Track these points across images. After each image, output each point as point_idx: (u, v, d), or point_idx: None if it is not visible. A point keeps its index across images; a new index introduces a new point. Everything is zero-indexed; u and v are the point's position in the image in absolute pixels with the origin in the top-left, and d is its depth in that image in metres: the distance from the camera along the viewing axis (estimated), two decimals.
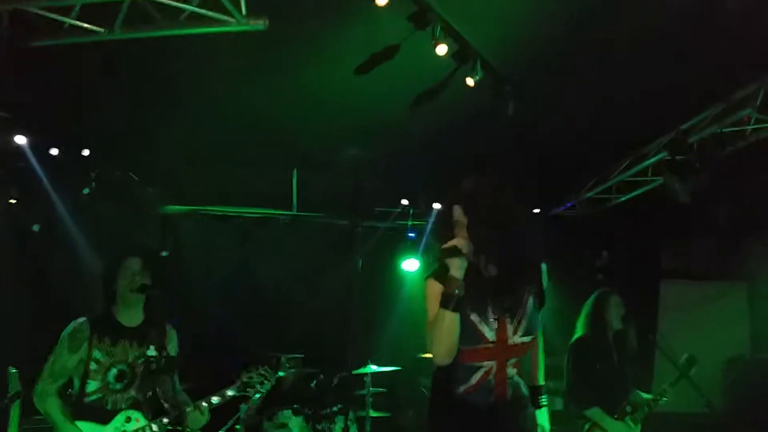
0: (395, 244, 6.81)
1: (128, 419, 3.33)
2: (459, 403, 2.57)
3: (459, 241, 2.46)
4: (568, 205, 6.54)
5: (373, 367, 5.17)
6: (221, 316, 6.04)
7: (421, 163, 5.69)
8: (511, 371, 2.63)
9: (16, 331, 5.11)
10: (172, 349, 3.55)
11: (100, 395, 3.31)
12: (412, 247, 6.68)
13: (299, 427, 4.87)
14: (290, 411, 4.93)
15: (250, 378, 3.48)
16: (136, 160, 5.76)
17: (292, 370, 5.35)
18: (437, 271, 2.58)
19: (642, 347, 5.32)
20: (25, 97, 4.63)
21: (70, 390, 3.38)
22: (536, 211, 6.79)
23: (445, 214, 2.64)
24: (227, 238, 6.44)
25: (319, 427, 5.04)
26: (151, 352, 3.40)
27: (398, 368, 5.38)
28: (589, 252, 6.78)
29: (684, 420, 6.19)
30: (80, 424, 3.28)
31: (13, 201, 5.25)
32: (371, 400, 5.18)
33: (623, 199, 6.05)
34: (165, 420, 3.36)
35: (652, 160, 5.30)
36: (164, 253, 6.19)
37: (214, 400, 3.45)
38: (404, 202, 6.53)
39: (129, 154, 5.61)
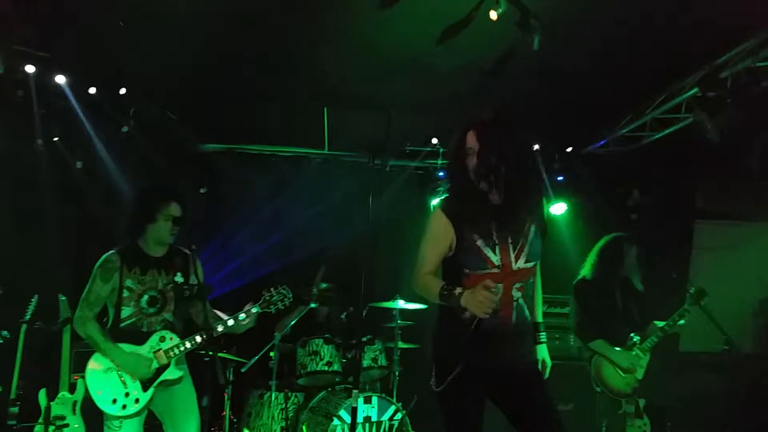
0: (425, 183, 6.85)
1: (162, 339, 3.62)
2: (464, 325, 2.66)
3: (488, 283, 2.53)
4: (601, 143, 6.45)
5: (401, 303, 5.31)
6: (256, 253, 6.25)
7: (451, 100, 5.68)
8: (516, 294, 2.74)
9: (63, 263, 5.42)
10: (199, 275, 3.79)
11: (134, 319, 3.58)
12: (441, 186, 6.69)
13: (330, 355, 5.09)
14: (322, 340, 5.14)
15: (271, 296, 3.75)
16: (172, 99, 5.88)
17: (324, 301, 5.55)
18: (448, 205, 2.71)
19: (670, 284, 5.37)
20: (63, 37, 4.78)
21: (105, 318, 3.66)
22: (569, 149, 6.74)
23: (458, 140, 2.72)
24: (262, 176, 6.59)
25: (349, 356, 5.25)
26: (179, 278, 3.70)
27: (425, 306, 5.50)
28: (622, 191, 6.73)
29: (712, 359, 6.24)
30: (119, 345, 3.55)
31: (56, 139, 5.47)
32: (400, 332, 5.34)
33: (657, 136, 5.93)
34: (198, 338, 3.63)
35: (686, 95, 5.17)
36: (202, 190, 6.40)
37: (241, 317, 3.72)
38: (434, 140, 6.54)
39: (166, 92, 5.73)
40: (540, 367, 2.99)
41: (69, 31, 4.70)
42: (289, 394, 5.07)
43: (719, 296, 5.75)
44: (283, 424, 4.94)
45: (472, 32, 4.39)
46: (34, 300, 4.71)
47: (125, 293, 3.56)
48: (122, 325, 3.57)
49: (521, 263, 2.72)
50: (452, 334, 2.73)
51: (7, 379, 4.58)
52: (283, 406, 4.99)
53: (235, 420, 5.14)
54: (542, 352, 3.02)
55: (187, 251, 3.79)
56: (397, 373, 5.23)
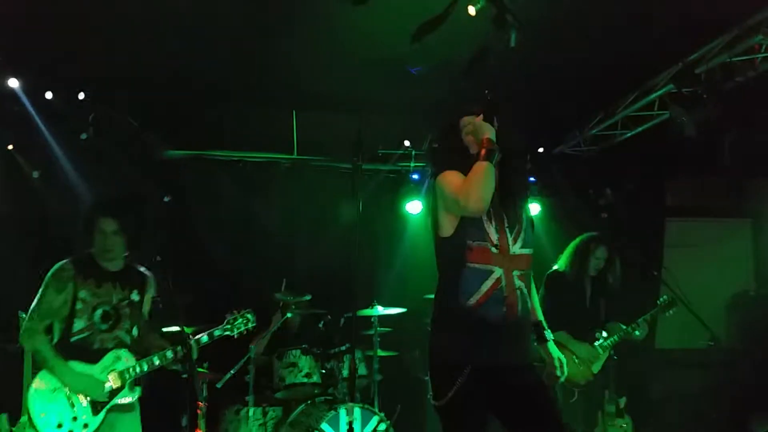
0: (398, 187, 6.75)
1: (117, 358, 3.41)
2: (469, 315, 2.59)
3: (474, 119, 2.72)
4: (573, 142, 6.46)
5: (380, 309, 5.19)
6: (226, 261, 6.04)
7: (423, 101, 5.60)
8: (518, 282, 2.69)
9: (19, 277, 5.12)
10: (151, 293, 3.65)
11: (86, 334, 3.36)
12: (415, 189, 6.63)
13: (309, 366, 4.92)
14: (299, 351, 4.97)
15: (235, 319, 3.72)
16: (134, 104, 5.66)
17: (299, 311, 5.39)
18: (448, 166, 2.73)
19: (646, 282, 5.43)
20: (16, 38, 4.54)
21: (50, 335, 3.42)
22: (540, 150, 6.73)
23: (455, 124, 2.81)
24: (229, 182, 6.38)
25: (328, 366, 5.09)
26: (135, 296, 3.52)
27: (404, 309, 5.40)
28: (594, 190, 6.74)
29: (689, 356, 6.29)
30: (69, 363, 3.33)
31: (10, 147, 5.20)
32: (378, 339, 5.22)
33: (629, 135, 5.96)
34: (156, 360, 3.44)
35: (659, 93, 5.19)
36: (166, 199, 6.15)
37: (203, 338, 3.61)
38: (406, 143, 6.44)
39: (127, 97, 5.51)
40: (557, 363, 2.90)
41: (23, 31, 4.46)
42: (267, 408, 4.89)
43: (692, 293, 5.82)
44: None
45: (446, 30, 4.31)
46: None
47: (78, 305, 3.36)
48: (73, 339, 3.35)
49: (518, 248, 2.72)
50: (456, 333, 2.65)
51: None
52: (262, 421, 4.81)
53: None
54: (554, 350, 2.94)
55: (146, 272, 3.64)
56: (378, 382, 5.09)
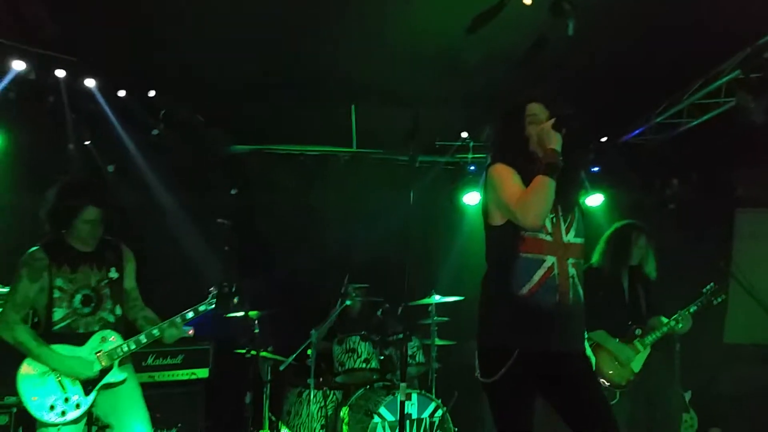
0: (456, 178, 6.77)
1: (103, 339, 3.39)
2: (521, 304, 2.59)
3: (548, 123, 2.63)
4: (637, 131, 6.30)
5: (437, 297, 5.23)
6: (287, 251, 6.22)
7: (480, 93, 5.59)
8: (572, 270, 2.67)
9: None
10: (131, 269, 3.59)
11: (69, 321, 3.32)
12: (472, 181, 6.63)
13: (367, 352, 5.03)
14: (358, 337, 5.09)
15: (216, 294, 3.63)
16: (200, 101, 5.88)
17: (359, 299, 5.50)
18: (505, 157, 2.72)
19: (714, 275, 5.21)
20: (92, 41, 4.79)
21: (35, 319, 3.44)
22: (604, 139, 6.59)
23: (519, 109, 2.77)
24: (290, 175, 6.56)
25: (386, 352, 5.19)
26: (113, 273, 3.45)
27: (461, 297, 5.42)
28: (660, 180, 6.56)
29: (758, 352, 6.07)
30: (54, 347, 3.28)
31: (87, 143, 5.49)
32: (436, 328, 5.26)
33: (695, 123, 5.77)
34: (143, 338, 3.44)
35: (725, 79, 5.01)
36: (232, 192, 6.39)
37: (189, 314, 3.56)
38: (464, 134, 6.45)
39: (194, 94, 5.72)
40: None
41: (97, 33, 4.70)
42: (328, 391, 5.03)
43: (763, 285, 5.60)
44: (323, 422, 4.89)
45: (502, 20, 4.29)
46: None
47: (56, 293, 3.28)
48: (55, 328, 3.28)
49: (571, 237, 2.71)
50: (507, 319, 2.65)
51: None
52: (322, 404, 4.95)
53: (274, 418, 5.10)
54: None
55: (120, 245, 3.56)
56: (435, 370, 5.14)
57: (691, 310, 4.44)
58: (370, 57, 5.11)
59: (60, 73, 4.95)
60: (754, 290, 4.89)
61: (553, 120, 2.63)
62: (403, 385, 3.48)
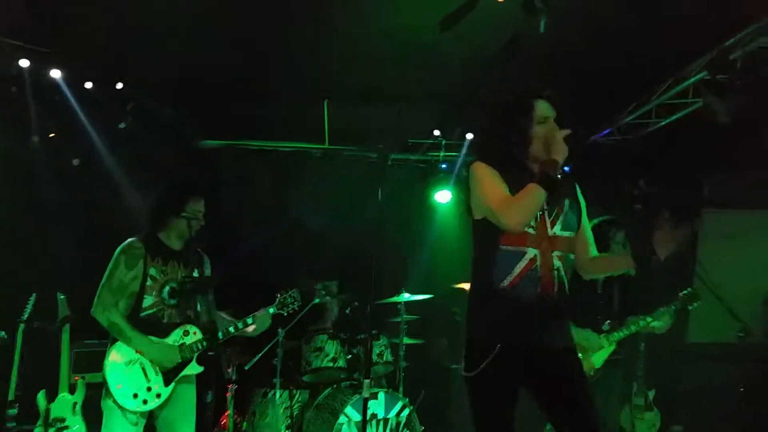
0: (427, 176, 6.77)
1: (186, 332, 3.53)
2: (502, 297, 2.58)
3: (561, 133, 2.59)
4: (606, 131, 6.36)
5: (407, 295, 5.22)
6: (258, 247, 6.16)
7: (453, 91, 5.59)
8: (557, 262, 2.63)
9: (62, 261, 5.33)
10: (207, 272, 3.78)
11: (155, 309, 3.47)
12: (444, 179, 6.64)
13: (335, 351, 4.99)
14: (326, 336, 5.05)
15: (284, 299, 3.81)
16: (171, 94, 5.79)
17: (327, 298, 5.46)
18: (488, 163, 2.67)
19: (681, 275, 5.26)
20: (58, 31, 4.69)
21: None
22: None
23: (525, 107, 2.69)
24: (262, 171, 6.51)
25: (354, 351, 5.16)
26: (195, 273, 3.64)
27: (431, 296, 5.41)
28: (628, 181, 6.61)
29: (721, 350, 6.16)
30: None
31: (52, 135, 5.38)
32: (405, 327, 5.25)
33: (663, 123, 5.84)
34: (219, 335, 3.60)
35: (693, 80, 5.07)
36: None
37: (259, 314, 3.76)
38: (436, 133, 6.45)
39: (164, 87, 5.64)
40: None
41: (66, 24, 4.61)
42: (294, 391, 4.98)
43: (728, 285, 5.68)
44: (289, 422, 4.84)
45: (476, 18, 4.30)
46: (32, 299, 4.61)
47: (149, 282, 3.46)
48: (142, 314, 3.45)
49: (557, 229, 2.66)
50: (489, 313, 2.64)
51: (5, 381, 4.48)
52: (288, 404, 4.90)
53: (238, 419, 5.04)
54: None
55: (201, 252, 3.77)
56: (403, 369, 5.13)
57: (669, 310, 4.43)
58: (344, 53, 5.08)
59: (24, 63, 4.84)
60: (718, 290, 4.96)
61: (568, 131, 2.59)
62: (366, 382, 3.46)
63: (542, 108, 2.70)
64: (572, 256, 2.73)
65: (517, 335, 2.59)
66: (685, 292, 4.47)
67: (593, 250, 2.86)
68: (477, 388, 2.63)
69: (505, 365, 2.57)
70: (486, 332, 2.63)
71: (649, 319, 4.37)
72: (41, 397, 4.40)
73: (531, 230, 2.61)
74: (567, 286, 2.67)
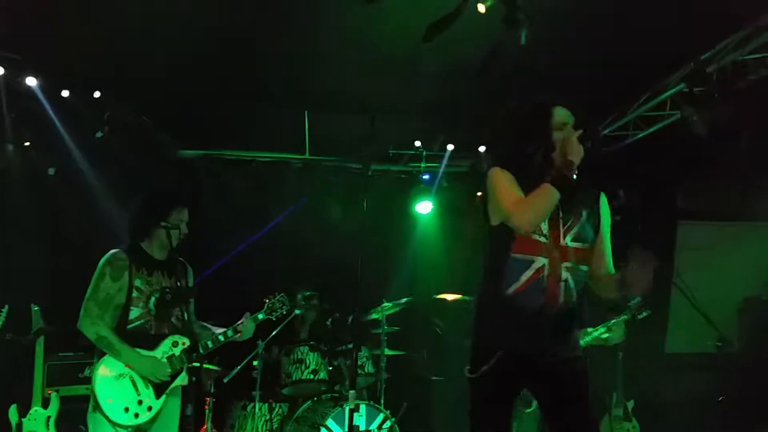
0: (408, 187, 6.77)
1: (175, 343, 3.46)
2: (507, 305, 2.59)
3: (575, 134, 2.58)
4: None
5: (385, 303, 5.18)
6: (236, 258, 6.10)
7: (434, 102, 5.61)
8: (565, 273, 2.62)
9: (35, 272, 5.22)
10: (191, 282, 3.72)
11: (142, 321, 3.41)
12: (425, 190, 6.64)
13: (316, 363, 4.95)
14: (307, 347, 5.01)
15: (273, 304, 3.78)
16: (149, 103, 5.72)
17: (307, 309, 5.41)
18: (509, 162, 2.69)
19: (657, 286, 5.29)
20: (34, 38, 4.62)
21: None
22: None
23: (544, 113, 2.69)
24: (241, 181, 6.45)
25: (335, 363, 5.11)
26: (182, 284, 3.55)
27: (410, 299, 5.34)
28: (606, 192, 6.68)
29: (699, 360, 6.22)
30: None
31: (27, 144, 5.28)
32: (386, 338, 5.22)
33: (641, 135, 5.91)
34: (209, 344, 3.55)
35: (671, 92, 5.15)
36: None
37: (240, 325, 3.68)
38: (417, 144, 6.46)
39: (142, 96, 5.57)
40: None
41: (41, 31, 4.54)
42: (274, 404, 4.91)
43: (704, 296, 5.75)
44: None
45: (457, 30, 4.32)
46: (4, 310, 4.49)
47: (135, 293, 3.40)
48: (129, 327, 3.38)
49: (569, 240, 2.64)
50: (493, 319, 2.66)
51: None
52: (268, 417, 4.83)
53: None
54: None
55: (185, 262, 3.70)
56: (384, 380, 5.09)
57: (619, 321, 4.45)
58: (325, 63, 5.08)
59: None
60: (695, 300, 5.01)
61: (580, 132, 2.59)
62: (352, 392, 3.42)
63: (560, 114, 2.71)
64: (584, 268, 2.69)
65: (518, 342, 2.61)
66: (633, 302, 4.49)
67: (609, 265, 2.78)
68: (475, 390, 2.68)
69: (506, 371, 2.60)
70: (489, 338, 2.67)
71: (601, 330, 4.38)
72: (13, 412, 4.28)
73: (543, 239, 2.61)
74: (575, 298, 2.65)
